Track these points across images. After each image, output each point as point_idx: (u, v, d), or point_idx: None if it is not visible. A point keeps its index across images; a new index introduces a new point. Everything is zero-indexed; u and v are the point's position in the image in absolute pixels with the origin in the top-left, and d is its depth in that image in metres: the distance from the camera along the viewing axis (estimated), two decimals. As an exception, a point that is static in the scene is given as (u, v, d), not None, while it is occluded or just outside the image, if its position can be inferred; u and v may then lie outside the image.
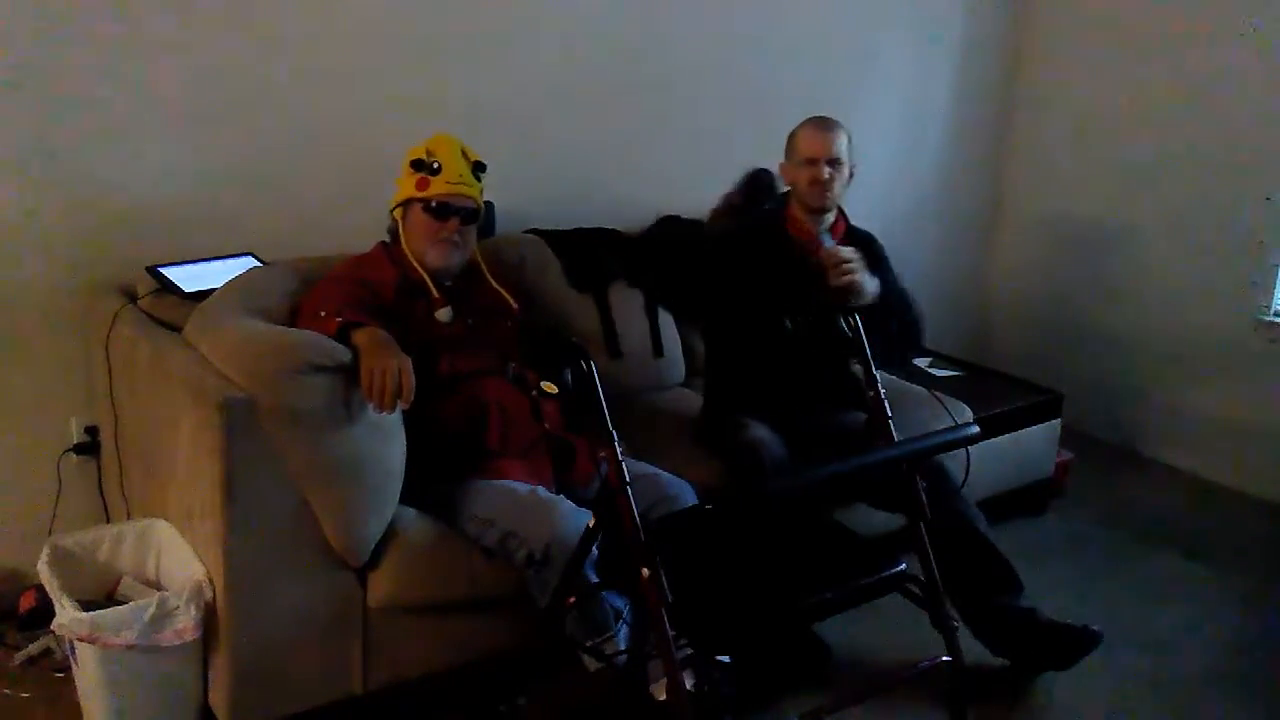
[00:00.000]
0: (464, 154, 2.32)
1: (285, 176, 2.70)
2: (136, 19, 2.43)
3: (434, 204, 2.28)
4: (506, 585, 2.13)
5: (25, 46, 2.33)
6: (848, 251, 2.40)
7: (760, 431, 2.49)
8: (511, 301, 2.43)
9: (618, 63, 3.16)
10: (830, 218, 2.58)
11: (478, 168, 2.35)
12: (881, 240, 2.72)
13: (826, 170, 2.50)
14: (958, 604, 2.37)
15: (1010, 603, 2.45)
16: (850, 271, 2.36)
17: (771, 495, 2.05)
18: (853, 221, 2.68)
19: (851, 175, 2.58)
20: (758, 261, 2.55)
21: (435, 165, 2.27)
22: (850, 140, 2.57)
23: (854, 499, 2.68)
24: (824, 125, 2.54)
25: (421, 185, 2.28)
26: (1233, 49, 3.53)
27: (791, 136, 2.59)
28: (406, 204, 2.31)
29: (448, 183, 2.28)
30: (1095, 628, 2.42)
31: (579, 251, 2.89)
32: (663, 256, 2.70)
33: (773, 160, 2.64)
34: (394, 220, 2.35)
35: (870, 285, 2.40)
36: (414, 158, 2.30)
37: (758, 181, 2.64)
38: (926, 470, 2.20)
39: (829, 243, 2.45)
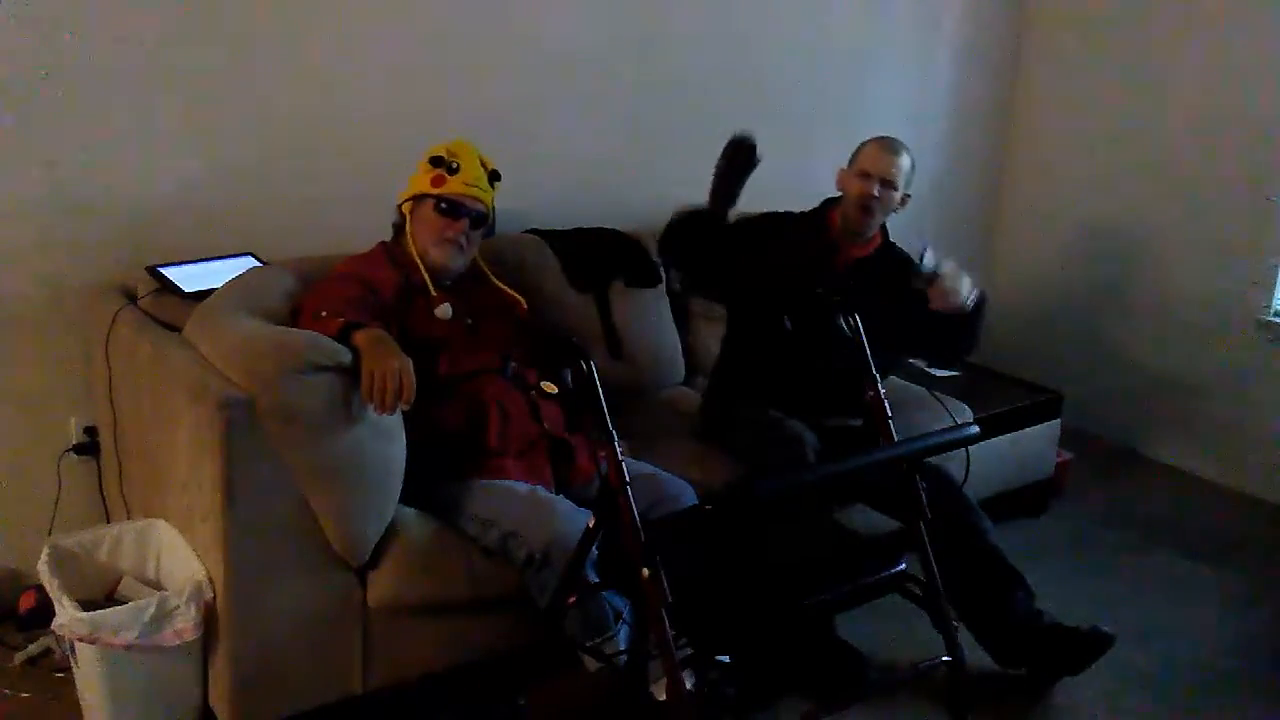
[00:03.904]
0: (481, 161, 2.34)
1: (285, 176, 2.69)
2: (134, 21, 2.43)
3: (447, 202, 2.29)
4: (506, 585, 2.13)
5: (23, 46, 2.33)
6: (948, 273, 2.43)
7: (797, 426, 2.49)
8: (520, 300, 2.44)
9: (618, 63, 3.16)
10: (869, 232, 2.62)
11: (493, 176, 2.37)
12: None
13: (877, 187, 2.54)
14: (964, 614, 2.37)
15: (1018, 608, 2.43)
16: (949, 293, 2.42)
17: (763, 497, 2.05)
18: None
19: (904, 203, 2.61)
20: (791, 251, 2.58)
21: (454, 165, 2.28)
22: (913, 167, 2.60)
23: (854, 500, 2.67)
24: (888, 145, 2.58)
25: (437, 181, 2.29)
26: (1234, 47, 3.53)
27: (857, 148, 2.62)
28: (418, 199, 2.32)
29: (464, 183, 2.29)
30: (1106, 629, 2.41)
31: (579, 251, 2.89)
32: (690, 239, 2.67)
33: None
34: (401, 214, 2.36)
35: (967, 298, 2.46)
36: (434, 154, 2.30)
37: (737, 149, 2.39)
38: (927, 475, 2.19)
39: (929, 261, 2.43)
